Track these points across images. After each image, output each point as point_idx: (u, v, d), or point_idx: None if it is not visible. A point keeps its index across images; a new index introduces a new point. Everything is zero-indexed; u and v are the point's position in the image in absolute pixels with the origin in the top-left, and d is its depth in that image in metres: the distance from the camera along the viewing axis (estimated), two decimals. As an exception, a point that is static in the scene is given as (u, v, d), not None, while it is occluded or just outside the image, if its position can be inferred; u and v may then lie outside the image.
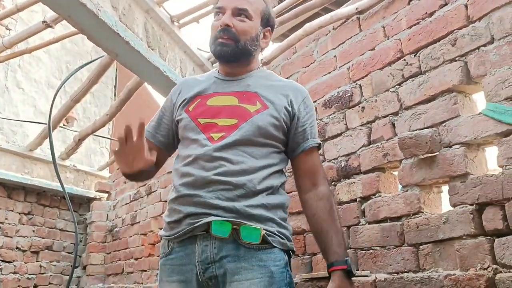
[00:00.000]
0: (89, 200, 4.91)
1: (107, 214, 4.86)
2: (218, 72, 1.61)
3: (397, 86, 1.97)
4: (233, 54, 1.48)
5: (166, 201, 3.97)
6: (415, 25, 1.94)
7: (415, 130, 1.82)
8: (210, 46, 1.52)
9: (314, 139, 1.49)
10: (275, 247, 1.34)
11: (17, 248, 4.26)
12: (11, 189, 4.23)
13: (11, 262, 4.17)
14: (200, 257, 1.32)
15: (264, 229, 1.31)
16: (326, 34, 2.41)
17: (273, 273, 1.31)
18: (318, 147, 1.51)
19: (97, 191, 4.94)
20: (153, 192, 4.09)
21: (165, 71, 2.12)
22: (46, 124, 4.00)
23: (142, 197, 4.26)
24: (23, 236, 4.33)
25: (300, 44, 2.56)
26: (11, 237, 4.22)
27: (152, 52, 2.03)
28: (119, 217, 4.65)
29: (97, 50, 3.84)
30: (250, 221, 1.32)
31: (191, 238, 1.36)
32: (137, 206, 4.33)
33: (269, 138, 1.43)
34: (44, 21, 2.22)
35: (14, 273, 4.19)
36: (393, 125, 1.96)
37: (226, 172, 1.36)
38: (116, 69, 5.95)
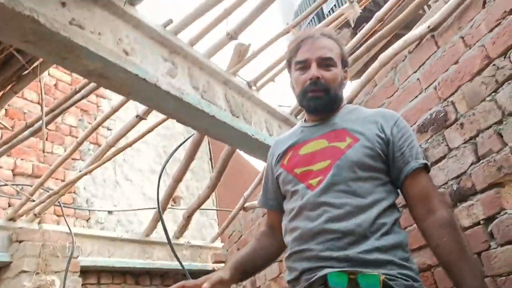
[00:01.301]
0: (208, 272, 5.01)
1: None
2: (304, 121, 1.63)
3: (493, 94, 1.83)
4: (327, 105, 1.50)
5: (281, 261, 3.95)
6: (496, 26, 1.82)
7: (527, 135, 1.67)
8: (299, 101, 1.55)
9: (417, 160, 1.40)
10: None
11: (152, 331, 4.43)
12: (137, 275, 4.47)
13: None
14: None
15: (384, 274, 1.24)
16: (403, 60, 2.35)
17: None
18: (425, 168, 1.41)
19: (214, 262, 5.05)
20: (266, 254, 4.09)
21: (252, 135, 2.18)
22: (155, 208, 4.25)
23: (257, 260, 4.27)
24: (152, 320, 4.50)
25: (379, 76, 2.51)
26: (145, 320, 4.41)
27: (237, 120, 2.11)
28: (239, 285, 4.68)
29: (188, 129, 4.08)
30: (367, 268, 1.25)
31: None
32: (253, 270, 4.34)
33: (368, 171, 1.38)
34: (137, 115, 2.42)
35: None
36: (500, 135, 1.81)
37: (332, 218, 1.32)
38: (209, 143, 6.24)
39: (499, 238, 1.79)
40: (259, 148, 2.30)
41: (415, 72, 2.27)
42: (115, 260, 4.11)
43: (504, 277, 1.76)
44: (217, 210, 5.06)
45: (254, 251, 1.61)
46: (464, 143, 1.97)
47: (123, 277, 4.35)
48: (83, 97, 2.26)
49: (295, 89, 1.55)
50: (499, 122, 1.81)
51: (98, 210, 4.44)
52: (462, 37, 1.99)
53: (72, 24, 1.41)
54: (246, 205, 4.07)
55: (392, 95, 2.43)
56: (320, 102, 1.48)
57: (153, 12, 1.96)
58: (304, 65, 1.49)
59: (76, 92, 2.23)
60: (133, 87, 1.65)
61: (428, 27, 2.09)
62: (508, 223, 1.75)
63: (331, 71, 1.48)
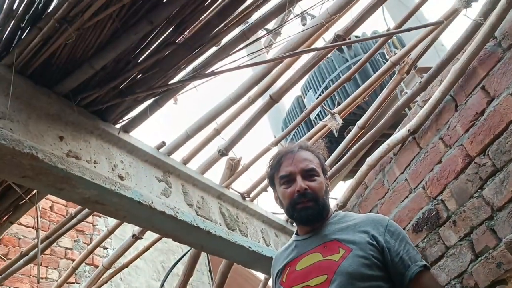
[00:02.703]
0: None
1: None
2: (297, 233, 1.65)
3: (480, 190, 1.89)
4: (318, 214, 1.54)
5: None
6: (471, 127, 1.93)
7: (519, 229, 1.69)
8: (289, 214, 1.59)
9: (416, 263, 1.41)
10: None
11: None
12: None
13: None
14: None
15: None
16: (390, 162, 2.43)
17: None
18: (426, 268, 1.42)
19: None
20: None
21: (249, 247, 2.18)
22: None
23: None
24: None
25: (369, 178, 2.58)
26: None
27: (233, 233, 2.12)
28: None
29: (185, 242, 4.03)
30: None
31: None
32: None
33: (366, 280, 1.37)
34: (133, 235, 2.43)
35: None
36: (493, 231, 1.83)
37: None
38: (207, 255, 6.12)
39: (510, 338, 1.72)
40: (256, 260, 2.28)
41: (402, 173, 2.35)
42: None
43: None
44: (219, 326, 4.82)
45: None
46: (460, 240, 1.97)
47: None
48: (79, 222, 2.28)
49: (282, 203, 1.60)
50: (490, 218, 1.83)
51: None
52: (441, 138, 2.09)
53: (69, 156, 1.48)
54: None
55: (383, 197, 2.47)
56: (311, 212, 1.53)
57: (144, 132, 2.06)
58: (289, 179, 1.55)
59: (72, 217, 2.26)
60: (128, 210, 1.69)
61: (408, 130, 2.20)
62: (517, 322, 1.70)
63: (316, 180, 1.55)
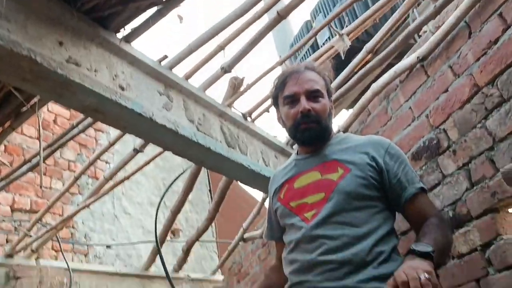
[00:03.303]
0: (209, 306, 4.95)
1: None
2: (297, 153, 1.66)
3: (483, 121, 1.87)
4: (320, 135, 1.53)
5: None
6: (482, 56, 1.87)
7: (518, 161, 1.69)
8: (291, 134, 1.58)
9: (413, 185, 1.43)
10: None
11: None
12: (136, 312, 4.40)
13: None
14: None
15: None
16: (395, 89, 2.40)
17: None
18: (423, 191, 1.44)
19: (214, 296, 4.99)
20: None
21: (248, 165, 2.20)
22: (153, 241, 4.23)
23: (258, 293, 4.22)
24: None
25: (373, 105, 2.56)
26: None
27: (233, 151, 2.13)
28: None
29: (186, 160, 4.08)
30: None
31: None
32: (254, 303, 4.28)
33: (363, 200, 1.40)
34: (134, 149, 2.45)
35: None
36: (492, 161, 1.83)
37: (329, 250, 1.34)
38: (208, 174, 6.25)
39: (497, 264, 1.78)
40: (255, 178, 2.32)
41: (407, 101, 2.32)
42: (114, 297, 4.06)
43: (504, 304, 1.74)
44: (216, 242, 5.02)
45: None
46: (458, 169, 1.99)
47: (121, 314, 4.28)
48: (80, 132, 2.29)
49: (285, 123, 1.59)
50: (491, 149, 1.83)
51: (96, 245, 4.41)
52: (451, 67, 2.04)
53: (69, 62, 1.45)
54: (245, 236, 4.05)
55: (386, 124, 2.46)
56: (313, 134, 1.52)
57: (148, 47, 2.01)
58: (293, 99, 1.53)
59: (74, 127, 2.26)
60: (128, 121, 1.68)
61: (418, 57, 2.14)
62: (505, 249, 1.75)
63: (320, 102, 1.52)
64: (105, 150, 2.58)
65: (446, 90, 2.06)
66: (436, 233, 1.31)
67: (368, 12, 2.14)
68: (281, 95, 1.58)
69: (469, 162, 1.93)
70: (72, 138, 2.29)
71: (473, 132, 1.92)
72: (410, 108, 2.29)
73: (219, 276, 5.24)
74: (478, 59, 1.89)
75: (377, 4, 2.11)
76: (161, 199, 2.97)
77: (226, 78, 2.14)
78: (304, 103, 1.50)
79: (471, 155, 1.92)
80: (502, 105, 1.78)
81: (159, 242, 3.67)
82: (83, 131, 2.28)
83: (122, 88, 1.64)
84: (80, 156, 4.74)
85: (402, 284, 1.03)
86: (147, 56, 1.81)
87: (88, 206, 2.99)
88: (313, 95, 1.52)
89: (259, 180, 2.34)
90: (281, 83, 1.59)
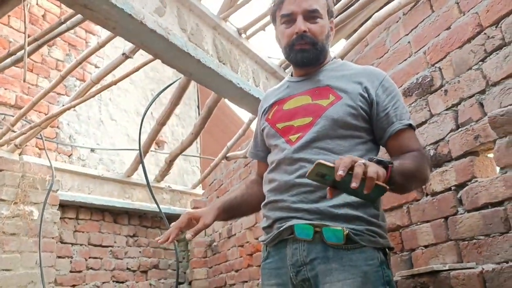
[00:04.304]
0: (187, 218, 5.10)
1: (205, 230, 5.03)
2: (291, 75, 1.63)
3: (480, 63, 1.83)
4: (314, 58, 1.49)
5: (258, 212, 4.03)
6: (492, -6, 1.80)
7: (507, 106, 1.68)
8: (286, 54, 1.53)
9: (401, 121, 1.39)
10: (366, 246, 1.30)
11: (127, 269, 4.54)
12: (116, 214, 4.53)
13: (124, 282, 4.45)
14: (291, 260, 1.33)
15: (351, 229, 1.28)
16: (397, 21, 2.32)
17: (366, 273, 1.26)
18: (410, 127, 1.40)
19: (193, 208, 5.13)
20: (244, 203, 4.16)
21: (238, 83, 2.17)
22: (137, 150, 4.27)
23: (235, 209, 4.35)
24: (131, 257, 4.60)
25: (371, 36, 2.49)
26: (122, 259, 4.51)
27: (224, 67, 2.08)
28: (216, 231, 4.79)
29: (176, 73, 4.02)
30: (336, 222, 1.29)
31: (282, 242, 1.38)
32: (232, 220, 4.43)
33: (349, 129, 1.39)
34: (123, 53, 2.38)
35: (128, 292, 4.47)
36: (481, 105, 1.82)
37: (307, 173, 1.35)
38: (198, 90, 6.19)
39: (467, 204, 1.84)
40: (243, 98, 2.29)
41: (406, 34, 2.25)
42: (94, 198, 4.15)
43: (467, 242, 1.82)
44: (199, 157, 5.09)
45: (242, 197, 1.65)
46: (446, 110, 1.98)
47: (102, 214, 4.40)
48: (68, 29, 2.20)
49: (281, 42, 1.54)
50: (482, 92, 1.82)
51: (80, 147, 4.43)
52: (458, 3, 1.97)
53: (57, -51, 1.36)
54: (228, 155, 4.10)
55: (382, 56, 2.42)
56: (308, 55, 1.47)
57: None
58: (290, 18, 1.46)
59: (62, 23, 2.17)
60: (117, 22, 1.61)
61: (425, -11, 2.05)
62: (478, 191, 1.79)
63: (317, 23, 1.46)
64: (95, 51, 2.50)
65: (449, 28, 2.00)
66: (408, 160, 1.30)
67: None
68: (279, 13, 1.52)
69: (458, 104, 1.92)
70: (59, 35, 2.20)
71: (467, 73, 1.89)
72: (409, 42, 2.24)
73: (199, 191, 5.36)
74: (486, -2, 1.83)
75: None
76: (147, 108, 2.95)
77: (224, -11, 2.04)
78: (300, 24, 1.44)
79: (462, 97, 1.90)
80: (502, 49, 1.74)
81: (143, 151, 3.70)
82: (71, 28, 2.19)
83: (114, -16, 1.55)
84: (69, 57, 4.63)
85: (343, 164, 1.04)
86: (143, -48, 1.70)
87: (73, 107, 2.95)
88: (311, 15, 1.45)
89: (247, 100, 2.31)
90: (279, 1, 1.52)
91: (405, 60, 2.25)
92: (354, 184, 1.01)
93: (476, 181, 1.82)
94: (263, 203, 1.49)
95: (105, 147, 4.75)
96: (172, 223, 1.49)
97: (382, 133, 1.42)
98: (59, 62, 4.55)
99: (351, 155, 1.09)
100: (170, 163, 4.19)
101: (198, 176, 5.83)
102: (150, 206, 4.58)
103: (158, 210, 3.66)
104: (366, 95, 1.42)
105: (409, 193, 1.95)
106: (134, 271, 4.60)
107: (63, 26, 2.18)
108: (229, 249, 4.43)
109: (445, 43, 2.01)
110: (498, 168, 1.77)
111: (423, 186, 2.01)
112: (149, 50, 1.81)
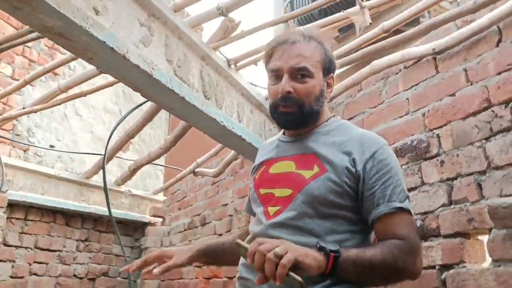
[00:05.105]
0: (144, 224, 4.88)
1: (162, 240, 4.81)
2: (283, 133, 1.46)
3: (484, 141, 1.72)
4: (299, 121, 1.31)
5: (221, 235, 3.86)
6: (506, 71, 1.68)
7: (509, 196, 1.57)
8: (270, 112, 1.36)
9: (388, 203, 1.17)
10: None
11: (74, 275, 4.28)
12: (69, 216, 4.26)
13: (69, 290, 4.19)
14: None
15: None
16: (397, 73, 2.19)
17: None
18: (401, 210, 1.18)
19: (151, 215, 4.91)
20: (207, 223, 3.98)
21: (221, 121, 1.99)
22: (101, 155, 4.01)
23: (197, 227, 4.17)
24: (80, 263, 4.34)
25: (367, 82, 2.34)
26: (69, 265, 4.24)
27: (208, 103, 1.90)
28: (173, 245, 4.58)
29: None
30: None
31: None
32: (191, 235, 4.24)
33: (331, 207, 1.20)
34: (98, 68, 2.15)
35: (72, 301, 4.21)
36: (479, 186, 1.71)
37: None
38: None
39: (452, 289, 1.72)
40: (225, 135, 2.13)
41: (405, 90, 2.12)
42: (46, 199, 3.86)
43: (447, 330, 1.70)
44: (165, 166, 4.84)
45: (230, 244, 1.51)
46: (440, 181, 1.86)
47: (53, 216, 4.13)
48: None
49: (268, 97, 1.37)
50: (482, 173, 1.70)
51: (36, 146, 4.11)
52: (466, 70, 1.85)
53: (34, -32, 1.14)
54: (197, 170, 3.91)
55: (376, 106, 2.28)
56: (292, 119, 1.30)
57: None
58: (277, 74, 1.29)
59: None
60: (97, 54, 1.40)
61: (433, 49, 1.92)
62: (465, 278, 1.68)
63: (306, 83, 1.27)
64: (67, 62, 2.24)
65: (453, 94, 1.87)
66: (379, 249, 1.13)
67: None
68: (267, 65, 1.35)
69: (454, 178, 1.80)
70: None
71: (468, 149, 1.77)
72: (407, 99, 2.10)
73: (160, 197, 5.13)
74: (499, 73, 1.70)
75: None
76: (114, 129, 2.72)
77: (219, 20, 1.84)
78: (284, 83, 1.26)
79: (459, 172, 1.78)
80: (509, 132, 1.63)
81: (107, 157, 3.46)
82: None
83: (97, 12, 1.34)
84: (38, 44, 4.29)
85: (249, 254, 1.01)
86: (135, -25, 1.49)
87: (35, 112, 2.69)
88: (299, 73, 1.27)
89: (229, 137, 2.14)
90: (269, 53, 1.34)
91: (401, 117, 2.11)
92: (258, 281, 0.99)
93: (465, 266, 1.70)
94: (237, 275, 1.34)
95: (66, 143, 4.46)
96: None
97: (367, 215, 1.22)
98: (26, 48, 4.21)
99: (271, 241, 1.02)
100: (133, 171, 3.96)
101: (161, 180, 5.60)
102: (106, 210, 4.31)
103: (115, 214, 3.44)
104: (353, 169, 1.22)
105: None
106: (81, 278, 4.34)
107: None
108: (186, 267, 4.22)
109: (447, 110, 1.89)
110: (490, 259, 1.65)
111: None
112: (130, 84, 1.60)
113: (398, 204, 1.18)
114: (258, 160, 1.48)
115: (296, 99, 1.27)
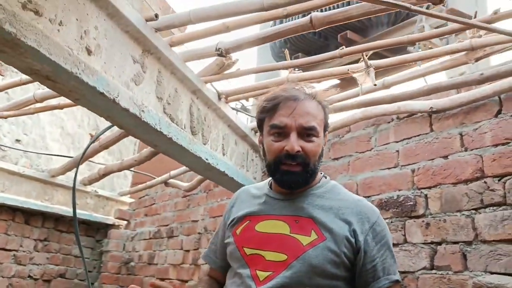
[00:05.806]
0: (108, 226, 4.73)
1: (124, 244, 4.67)
2: (271, 186, 1.38)
3: (473, 211, 1.69)
4: (303, 182, 1.26)
5: (188, 251, 3.77)
6: (503, 145, 1.66)
7: (493, 274, 1.55)
8: (270, 171, 1.29)
9: (388, 276, 1.20)
10: None
11: (29, 276, 4.09)
12: (29, 215, 4.07)
13: (21, 292, 4.01)
14: None
15: None
16: (389, 122, 2.14)
17: None
18: (397, 283, 1.21)
19: (116, 218, 4.76)
20: (174, 236, 3.88)
21: (206, 159, 1.91)
22: (71, 157, 3.85)
23: (163, 238, 4.05)
24: (36, 264, 4.16)
25: (356, 125, 2.29)
26: (25, 265, 4.06)
27: (195, 141, 1.81)
28: (136, 251, 4.45)
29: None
30: None
31: None
32: (156, 246, 4.12)
33: (327, 278, 1.16)
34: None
35: (24, 304, 4.03)
36: (464, 256, 1.68)
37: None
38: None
39: None
40: (208, 171, 2.06)
41: (396, 142, 2.08)
42: (6, 197, 3.67)
43: None
44: (136, 172, 4.68)
45: None
46: (424, 243, 1.83)
47: (13, 214, 3.93)
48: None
49: (265, 154, 1.29)
50: (468, 243, 1.68)
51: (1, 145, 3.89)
52: (462, 135, 1.82)
53: (27, 9, 1.02)
54: (169, 181, 3.80)
55: (364, 152, 2.23)
56: (296, 179, 1.24)
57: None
58: (282, 131, 1.23)
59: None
60: (84, 96, 1.29)
61: (431, 108, 1.88)
62: None
63: (313, 142, 1.22)
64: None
65: (446, 157, 1.84)
66: None
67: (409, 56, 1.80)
68: (269, 121, 1.27)
69: (439, 244, 1.78)
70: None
71: (456, 217, 1.74)
72: (397, 151, 2.07)
73: (126, 199, 4.98)
74: (496, 145, 1.68)
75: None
76: (89, 144, 2.58)
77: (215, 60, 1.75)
78: (293, 142, 1.20)
79: (445, 238, 1.76)
80: (501, 207, 1.61)
81: (77, 160, 3.31)
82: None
83: (89, 52, 1.23)
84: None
85: None
86: (133, 10, 1.38)
87: (5, 118, 2.52)
88: (306, 132, 1.22)
89: (212, 173, 2.07)
90: (272, 107, 1.26)
91: (389, 169, 2.07)
92: None
93: (441, 335, 1.68)
94: None
95: (33, 138, 4.25)
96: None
97: (365, 286, 1.21)
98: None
99: None
100: (102, 176, 3.81)
101: (129, 181, 5.43)
102: (69, 210, 4.14)
103: (78, 215, 3.27)
104: (353, 240, 1.20)
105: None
106: (36, 279, 4.16)
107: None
108: (147, 277, 4.11)
109: (438, 172, 1.85)
110: (470, 334, 1.64)
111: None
112: (117, 123, 1.50)
113: (396, 277, 1.22)
114: (238, 210, 1.38)
115: (303, 158, 1.22)
